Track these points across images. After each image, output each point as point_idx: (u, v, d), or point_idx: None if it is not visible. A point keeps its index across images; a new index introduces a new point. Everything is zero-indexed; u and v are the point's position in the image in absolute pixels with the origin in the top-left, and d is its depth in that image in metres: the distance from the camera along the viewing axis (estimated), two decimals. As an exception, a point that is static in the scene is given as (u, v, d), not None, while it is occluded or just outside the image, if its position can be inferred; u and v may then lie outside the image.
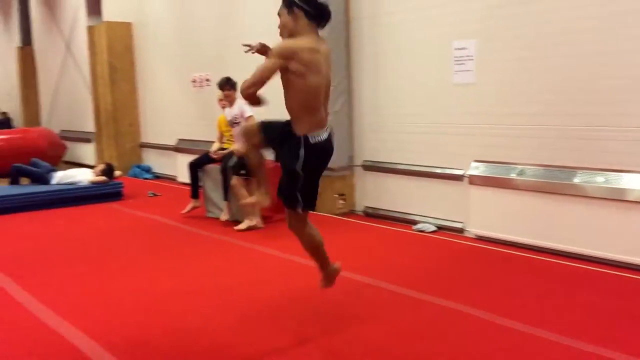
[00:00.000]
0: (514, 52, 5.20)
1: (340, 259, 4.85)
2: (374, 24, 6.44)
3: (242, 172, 6.03)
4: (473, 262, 4.83)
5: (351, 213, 6.85)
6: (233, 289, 4.18)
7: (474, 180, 5.43)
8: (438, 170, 5.93)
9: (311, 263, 4.65)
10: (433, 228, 5.86)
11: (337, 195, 6.76)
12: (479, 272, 4.52)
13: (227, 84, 6.38)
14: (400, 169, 6.33)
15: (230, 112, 6.39)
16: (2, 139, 11.04)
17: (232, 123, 6.37)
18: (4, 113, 14.47)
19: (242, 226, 6.01)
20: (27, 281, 4.36)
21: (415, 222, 6.07)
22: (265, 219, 6.28)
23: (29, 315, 3.69)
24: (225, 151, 6.50)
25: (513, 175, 5.13)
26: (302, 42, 2.98)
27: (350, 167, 6.83)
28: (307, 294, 4.02)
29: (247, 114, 6.13)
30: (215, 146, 6.73)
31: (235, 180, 6.09)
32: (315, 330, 3.38)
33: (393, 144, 6.41)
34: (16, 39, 15.16)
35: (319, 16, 3.05)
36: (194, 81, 9.31)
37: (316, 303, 3.84)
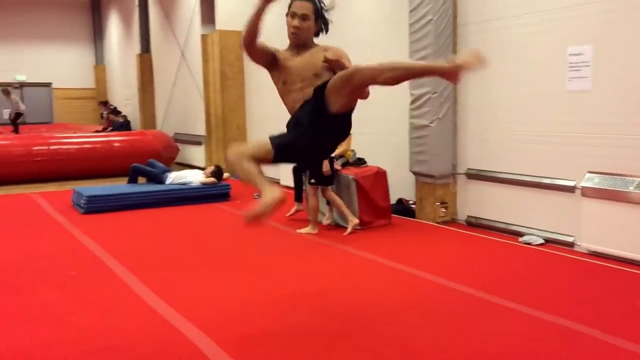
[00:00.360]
0: (633, 58, 4.91)
1: (444, 268, 4.80)
2: (482, 30, 6.31)
3: (312, 180, 6.17)
4: (585, 278, 4.60)
5: (453, 222, 6.73)
6: (332, 292, 4.26)
7: (587, 192, 5.17)
8: (547, 181, 5.70)
9: (419, 272, 4.66)
10: (540, 241, 5.63)
11: (438, 204, 6.68)
12: (593, 290, 4.30)
13: None
14: (506, 178, 6.14)
15: None
16: (122, 140, 11.93)
17: None
18: (124, 116, 15.55)
19: (303, 230, 6.15)
20: (145, 275, 4.68)
21: (520, 234, 5.87)
22: (366, 224, 6.33)
23: (147, 308, 3.97)
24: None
25: (631, 189, 4.83)
26: None
27: (453, 175, 6.73)
28: (411, 302, 4.01)
29: None
30: (319, 151, 6.86)
31: (309, 189, 6.25)
32: (423, 340, 3.37)
33: (499, 152, 6.24)
34: (136, 47, 16.27)
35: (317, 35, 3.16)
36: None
37: (422, 311, 3.82)
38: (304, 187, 6.93)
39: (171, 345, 3.33)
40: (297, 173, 6.91)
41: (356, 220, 6.21)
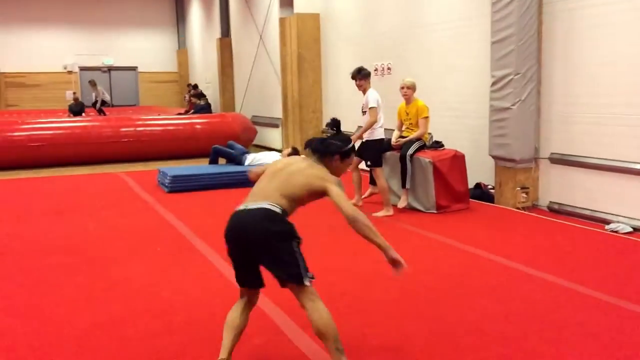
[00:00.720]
0: None
1: (525, 255, 4.68)
2: (569, 8, 6.02)
3: (368, 163, 6.37)
4: (677, 270, 4.35)
5: (534, 207, 6.53)
6: (407, 274, 4.25)
7: (682, 179, 4.87)
8: (638, 167, 5.40)
9: (498, 258, 4.57)
10: (629, 229, 5.37)
11: (519, 189, 6.49)
12: (684, 282, 4.07)
13: (358, 74, 6.46)
14: (593, 163, 5.88)
15: (364, 100, 6.45)
16: (203, 123, 12.32)
17: (362, 111, 6.48)
18: (205, 99, 16.02)
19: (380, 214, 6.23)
20: (224, 254, 4.83)
21: (606, 222, 5.62)
22: (442, 208, 6.26)
23: (228, 284, 4.12)
24: (404, 139, 6.57)
25: None
26: None
27: (535, 159, 6.50)
28: (488, 288, 3.95)
29: (370, 105, 6.26)
30: (395, 134, 6.82)
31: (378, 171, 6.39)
32: (501, 328, 3.32)
33: (585, 136, 5.97)
34: (217, 31, 16.67)
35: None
36: (375, 70, 9.49)
37: (500, 298, 3.76)
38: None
39: (251, 322, 3.45)
40: (373, 156, 6.88)
41: (390, 212, 6.22)
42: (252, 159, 8.67)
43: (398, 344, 3.10)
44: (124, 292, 3.96)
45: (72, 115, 15.21)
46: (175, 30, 21.30)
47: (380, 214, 6.22)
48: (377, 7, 9.40)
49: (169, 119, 12.64)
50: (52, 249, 5.10)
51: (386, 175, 6.85)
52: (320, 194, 2.89)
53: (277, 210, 2.79)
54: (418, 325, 3.34)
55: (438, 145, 6.69)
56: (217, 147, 9.04)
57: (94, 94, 16.43)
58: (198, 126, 12.13)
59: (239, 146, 9.17)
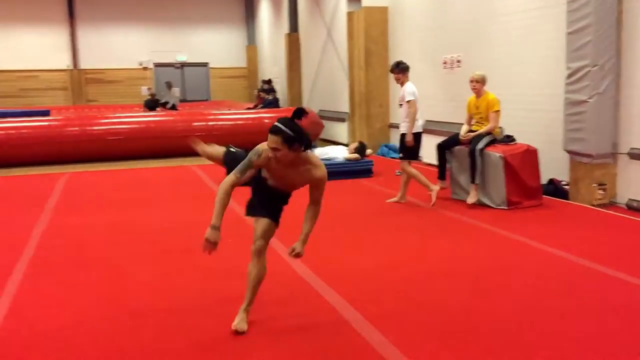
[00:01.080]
0: None
1: (602, 254, 4.50)
2: (654, -5, 5.72)
3: (400, 155, 6.59)
4: None
5: (611, 205, 6.26)
6: (476, 272, 4.18)
7: None
8: None
9: (573, 257, 4.43)
10: None
11: (595, 185, 6.24)
12: None
13: (396, 68, 6.58)
14: (677, 160, 5.57)
15: (400, 92, 6.59)
16: (271, 117, 12.49)
17: (399, 104, 6.66)
18: (273, 93, 16.25)
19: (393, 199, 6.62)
20: (291, 243, 4.92)
21: (692, 221, 5.32)
22: (513, 204, 6.11)
23: (296, 276, 4.19)
24: (474, 133, 6.45)
25: None
26: None
27: (613, 154, 6.23)
28: (563, 288, 3.84)
29: (407, 99, 6.38)
30: (464, 128, 6.70)
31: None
32: (580, 333, 3.22)
33: (669, 131, 5.66)
34: (285, 27, 16.86)
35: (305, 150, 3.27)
36: (444, 63, 9.34)
37: (577, 300, 3.65)
38: (448, 165, 6.82)
39: (318, 313, 3.50)
40: (441, 150, 6.80)
41: (437, 187, 6.44)
42: (319, 153, 8.73)
43: (466, 344, 3.07)
44: (195, 280, 4.10)
45: (147, 110, 15.82)
46: (245, 26, 21.70)
47: (433, 193, 6.41)
48: (446, -1, 9.25)
49: (239, 114, 12.92)
50: (127, 239, 5.34)
51: (455, 170, 6.76)
52: None
53: None
54: (489, 325, 3.28)
55: (509, 139, 6.52)
56: (285, 141, 9.15)
57: (167, 95, 16.97)
58: (266, 120, 12.32)
59: (306, 140, 9.25)
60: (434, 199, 6.41)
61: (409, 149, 6.56)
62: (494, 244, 4.94)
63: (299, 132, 3.13)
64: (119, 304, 3.69)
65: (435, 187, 6.48)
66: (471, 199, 6.33)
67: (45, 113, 12.46)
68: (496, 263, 4.39)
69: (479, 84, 6.40)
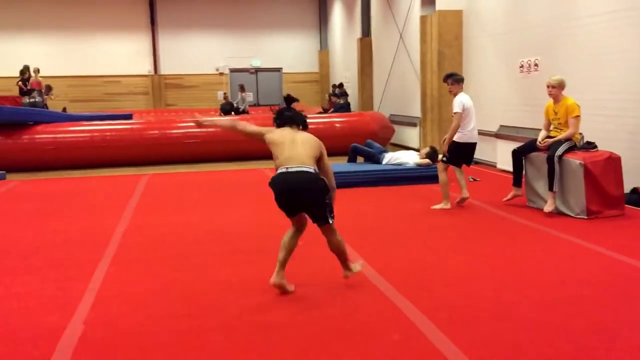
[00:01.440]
0: None
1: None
2: None
3: (443, 158, 6.68)
4: None
5: (702, 217, 5.90)
6: (556, 284, 4.05)
7: None
8: None
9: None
10: None
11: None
12: None
13: (449, 79, 6.66)
14: None
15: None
16: (342, 122, 12.59)
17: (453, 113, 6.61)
18: (345, 98, 16.33)
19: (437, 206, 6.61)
20: (365, 251, 4.95)
21: None
22: (593, 213, 5.87)
23: (369, 285, 4.21)
24: (552, 139, 6.24)
25: None
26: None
27: None
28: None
29: (454, 110, 6.45)
30: (542, 134, 6.50)
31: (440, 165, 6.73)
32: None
33: None
34: (357, 31, 16.92)
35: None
36: (521, 67, 9.10)
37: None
38: (523, 172, 6.63)
39: (388, 318, 3.50)
40: (517, 156, 6.63)
41: (448, 206, 6.54)
42: (390, 157, 8.71)
43: (540, 357, 2.98)
44: (263, 283, 4.20)
45: (222, 114, 16.28)
46: (318, 31, 21.94)
47: (438, 206, 6.60)
48: (524, 0, 9.00)
49: (310, 118, 13.01)
50: (204, 239, 5.52)
51: (531, 177, 6.56)
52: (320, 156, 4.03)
53: (315, 171, 3.90)
54: (567, 337, 3.18)
55: (590, 146, 6.26)
56: (355, 146, 9.19)
57: (239, 98, 17.43)
58: (337, 125, 12.42)
59: (377, 145, 9.25)
60: (437, 206, 6.62)
61: (454, 156, 6.62)
62: (572, 255, 4.77)
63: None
64: (197, 301, 3.83)
65: (446, 206, 6.60)
66: (548, 207, 6.13)
67: (128, 117, 13.06)
68: (573, 275, 4.23)
69: (555, 89, 6.20)
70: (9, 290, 4.13)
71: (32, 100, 14.71)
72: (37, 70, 16.04)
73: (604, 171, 5.97)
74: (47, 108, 14.63)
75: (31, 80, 15.96)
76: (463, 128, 6.49)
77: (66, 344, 3.21)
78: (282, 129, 4.17)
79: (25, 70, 16.18)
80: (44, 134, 10.86)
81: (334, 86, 17.78)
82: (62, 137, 10.96)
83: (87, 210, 7.01)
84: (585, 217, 5.88)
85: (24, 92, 15.73)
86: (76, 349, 3.17)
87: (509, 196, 6.68)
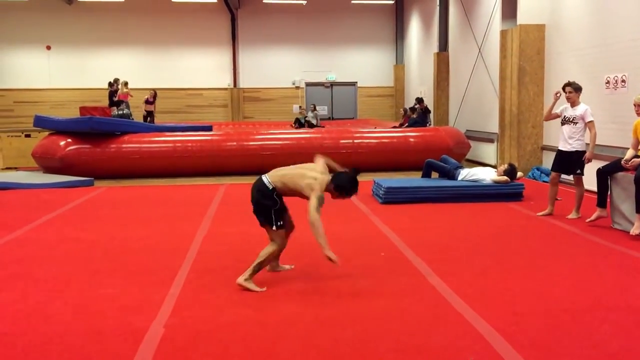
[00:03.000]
0: None
1: None
2: None
3: (578, 171, 6.83)
4: None
5: None
6: (626, 307, 3.85)
7: None
8: None
9: None
10: None
11: None
12: None
13: (568, 86, 6.84)
14: None
15: (571, 111, 6.82)
16: (417, 136, 12.49)
17: (569, 120, 6.81)
18: (412, 109, 16.24)
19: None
20: (438, 266, 4.89)
21: None
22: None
23: (440, 297, 4.16)
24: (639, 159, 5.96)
25: None
26: None
27: None
28: None
29: (589, 119, 6.65)
30: (630, 153, 6.21)
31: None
32: None
33: None
34: (434, 46, 16.79)
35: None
36: (607, 82, 8.73)
37: None
38: (608, 192, 6.35)
39: (462, 338, 3.44)
40: (602, 176, 6.36)
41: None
42: (466, 174, 8.56)
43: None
44: (340, 295, 4.22)
45: (297, 127, 16.56)
46: (394, 46, 21.93)
47: (571, 216, 6.83)
48: (612, 14, 8.65)
49: (385, 132, 13.04)
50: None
51: (617, 198, 6.28)
52: (304, 196, 4.34)
53: (269, 187, 4.40)
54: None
55: (682, 167, 5.92)
56: (430, 161, 9.10)
57: (311, 115, 17.82)
58: (412, 139, 12.33)
59: (452, 160, 9.12)
60: (570, 217, 6.83)
61: (584, 165, 6.79)
62: (661, 281, 4.51)
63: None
64: (272, 311, 3.91)
65: (577, 216, 6.82)
66: (636, 230, 5.82)
67: (208, 128, 13.52)
68: (662, 302, 4.01)
69: None
70: (95, 292, 4.37)
71: (120, 111, 15.52)
72: (125, 83, 16.92)
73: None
74: (133, 119, 15.38)
75: (119, 92, 16.86)
76: (584, 137, 6.78)
77: (148, 346, 3.36)
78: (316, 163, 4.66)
79: (114, 82, 17.11)
80: (130, 144, 11.42)
81: (416, 99, 17.42)
82: (147, 147, 11.49)
83: (169, 217, 7.30)
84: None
85: (113, 103, 16.63)
86: (157, 350, 3.31)
87: (593, 217, 6.41)
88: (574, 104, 6.81)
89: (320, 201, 4.22)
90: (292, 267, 4.90)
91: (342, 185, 4.37)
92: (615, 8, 8.57)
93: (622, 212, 6.19)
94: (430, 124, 15.23)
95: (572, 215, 6.85)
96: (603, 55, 8.86)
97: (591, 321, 3.67)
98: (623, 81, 8.32)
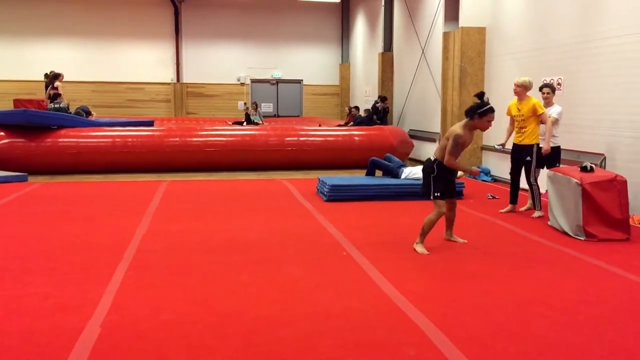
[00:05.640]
0: None
1: None
2: None
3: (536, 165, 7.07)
4: None
5: None
6: (604, 317, 4.00)
7: None
8: None
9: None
10: None
11: None
12: None
13: (546, 87, 7.23)
14: None
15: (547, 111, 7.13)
16: (362, 135, 12.60)
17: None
18: (357, 108, 16.38)
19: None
20: (380, 263, 4.94)
21: None
22: (591, 235, 5.79)
23: (382, 294, 4.20)
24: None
25: None
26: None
27: None
28: (662, 326, 3.60)
29: (554, 115, 6.99)
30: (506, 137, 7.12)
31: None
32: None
33: None
34: (380, 45, 16.97)
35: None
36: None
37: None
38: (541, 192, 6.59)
39: (404, 333, 3.49)
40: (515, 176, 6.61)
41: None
42: (409, 172, 8.69)
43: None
44: (283, 292, 4.20)
45: (246, 123, 16.42)
46: (340, 44, 22.03)
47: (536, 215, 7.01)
48: (549, 18, 8.97)
49: (330, 130, 13.10)
50: (221, 246, 5.55)
51: (554, 198, 6.51)
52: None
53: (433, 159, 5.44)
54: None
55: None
56: (374, 159, 9.20)
57: (255, 114, 17.73)
58: (356, 138, 12.43)
59: (396, 159, 9.25)
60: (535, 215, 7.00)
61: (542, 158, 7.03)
62: (591, 276, 4.71)
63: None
64: (211, 309, 3.85)
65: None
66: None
67: (150, 123, 13.21)
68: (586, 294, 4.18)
69: (519, 88, 6.97)
70: (28, 290, 4.19)
71: (56, 105, 14.95)
72: (55, 76, 16.28)
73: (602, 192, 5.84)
74: (70, 113, 14.83)
75: (56, 85, 16.22)
76: (557, 134, 7.09)
77: (83, 346, 3.24)
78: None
79: (50, 74, 16.44)
80: (66, 138, 11.02)
81: (380, 98, 17.20)
82: (84, 142, 11.11)
83: (107, 214, 7.08)
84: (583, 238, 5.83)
85: (49, 97, 15.99)
86: (93, 350, 3.19)
87: (534, 214, 6.70)
88: (549, 104, 7.14)
89: (454, 147, 5.26)
90: (465, 241, 5.64)
91: (471, 111, 5.25)
92: (553, 12, 8.88)
93: (558, 211, 6.43)
94: (387, 123, 15.22)
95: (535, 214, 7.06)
96: (540, 58, 9.18)
97: (526, 316, 3.79)
98: (559, 84, 8.64)
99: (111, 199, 8.24)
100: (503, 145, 7.35)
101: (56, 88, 14.85)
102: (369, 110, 15.66)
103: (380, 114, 15.05)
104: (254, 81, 21.53)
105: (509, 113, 7.25)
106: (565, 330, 3.54)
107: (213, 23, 20.82)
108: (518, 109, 7.03)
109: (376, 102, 15.52)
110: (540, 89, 7.25)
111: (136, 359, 3.12)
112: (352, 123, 15.11)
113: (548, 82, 7.62)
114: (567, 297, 4.15)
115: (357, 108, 16.39)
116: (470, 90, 10.96)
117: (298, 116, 21.25)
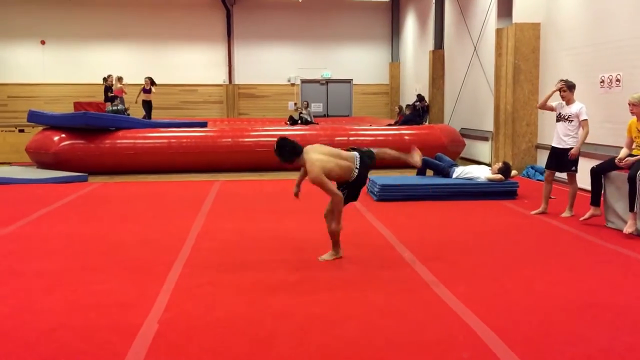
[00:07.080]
0: None
1: None
2: None
3: (573, 168, 6.89)
4: None
5: None
6: (631, 308, 3.87)
7: None
8: None
9: None
10: None
11: None
12: None
13: (565, 84, 6.90)
14: None
15: (567, 109, 6.88)
16: (412, 134, 12.50)
17: (563, 118, 6.88)
18: (401, 107, 16.24)
19: None
20: (431, 263, 4.90)
21: None
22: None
23: (433, 295, 4.17)
24: (634, 158, 5.98)
25: None
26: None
27: None
28: None
29: (583, 117, 6.69)
30: (623, 152, 6.24)
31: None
32: None
33: None
34: (430, 43, 16.79)
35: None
36: (601, 82, 8.76)
37: None
38: (601, 190, 6.38)
39: (456, 335, 3.45)
40: (596, 174, 6.38)
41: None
42: (461, 172, 8.57)
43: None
44: (335, 292, 4.22)
45: (289, 124, 16.54)
46: (389, 43, 21.92)
47: (565, 214, 6.84)
48: (607, 13, 8.67)
49: (379, 130, 13.05)
50: (273, 245, 5.62)
51: (611, 197, 6.30)
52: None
53: None
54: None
55: (676, 166, 5.93)
56: (425, 159, 9.09)
57: (305, 112, 17.79)
58: (406, 137, 12.33)
59: (447, 158, 9.14)
60: (564, 215, 6.83)
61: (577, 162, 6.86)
62: (653, 280, 4.54)
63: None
64: (265, 306, 3.91)
65: (569, 214, 6.82)
66: (629, 229, 5.85)
67: (203, 124, 13.48)
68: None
69: (637, 107, 5.97)
70: (88, 288, 4.36)
71: (115, 107, 15.46)
72: (119, 79, 16.84)
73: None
74: (128, 115, 15.32)
75: (113, 88, 16.78)
76: (578, 135, 6.80)
77: (141, 342, 3.36)
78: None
79: (108, 77, 17.02)
80: (124, 139, 11.38)
81: (418, 97, 17.17)
82: (141, 143, 11.45)
83: (163, 213, 7.28)
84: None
85: (107, 99, 16.55)
86: (151, 346, 3.30)
87: (586, 215, 6.45)
88: (568, 101, 6.85)
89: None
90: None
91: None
92: (611, 7, 8.59)
93: (616, 211, 6.21)
94: (425, 122, 15.19)
95: (566, 214, 6.86)
96: (598, 54, 8.89)
97: (584, 319, 3.69)
98: (617, 80, 8.35)
99: (167, 199, 8.46)
100: (621, 160, 6.14)
101: (111, 89, 15.32)
102: (411, 106, 15.56)
103: (419, 112, 14.99)
104: (304, 81, 21.67)
105: (629, 133, 6.25)
106: (626, 333, 3.43)
107: (263, 25, 21.07)
108: (638, 129, 6.09)
109: (415, 102, 15.46)
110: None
111: (192, 356, 3.21)
112: (400, 122, 15.01)
113: (564, 79, 7.07)
114: (626, 300, 4.01)
115: (413, 106, 16.24)
116: (525, 88, 10.72)
117: (348, 116, 21.25)
